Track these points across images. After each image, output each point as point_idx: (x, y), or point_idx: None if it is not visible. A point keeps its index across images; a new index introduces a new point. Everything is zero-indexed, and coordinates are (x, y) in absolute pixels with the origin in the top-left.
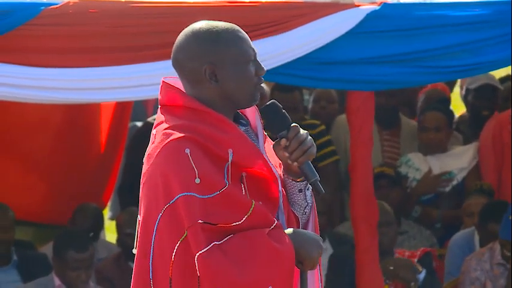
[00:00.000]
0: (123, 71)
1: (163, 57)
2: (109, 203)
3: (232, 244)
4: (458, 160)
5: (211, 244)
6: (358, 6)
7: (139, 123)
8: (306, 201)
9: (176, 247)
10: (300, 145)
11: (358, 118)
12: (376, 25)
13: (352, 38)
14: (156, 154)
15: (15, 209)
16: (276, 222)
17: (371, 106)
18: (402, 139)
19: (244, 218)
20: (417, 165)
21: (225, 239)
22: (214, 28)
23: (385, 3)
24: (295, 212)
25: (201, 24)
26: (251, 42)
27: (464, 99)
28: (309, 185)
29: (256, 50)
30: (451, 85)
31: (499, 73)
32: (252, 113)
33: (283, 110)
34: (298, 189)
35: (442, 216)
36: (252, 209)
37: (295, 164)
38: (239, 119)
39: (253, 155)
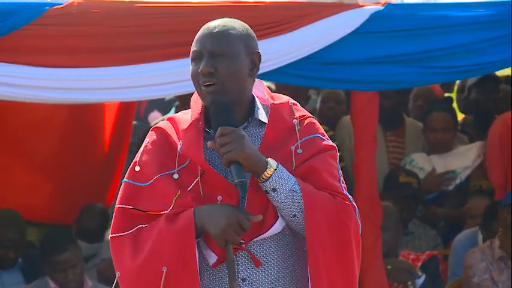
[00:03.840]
0: (127, 71)
1: (167, 57)
2: (113, 203)
3: (143, 229)
4: (462, 159)
5: (137, 227)
6: (362, 6)
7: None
8: (277, 202)
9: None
10: (220, 148)
11: (362, 118)
12: (380, 25)
13: (356, 38)
14: None
15: (20, 209)
16: None
17: (375, 106)
18: (407, 139)
19: (170, 208)
20: (421, 164)
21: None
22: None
23: (389, 3)
24: (280, 212)
25: None
26: (209, 39)
27: (466, 100)
28: (275, 187)
29: (210, 47)
30: (450, 87)
31: (502, 73)
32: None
33: (225, 112)
34: (265, 190)
35: (445, 215)
36: (174, 200)
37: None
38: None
39: (191, 149)
